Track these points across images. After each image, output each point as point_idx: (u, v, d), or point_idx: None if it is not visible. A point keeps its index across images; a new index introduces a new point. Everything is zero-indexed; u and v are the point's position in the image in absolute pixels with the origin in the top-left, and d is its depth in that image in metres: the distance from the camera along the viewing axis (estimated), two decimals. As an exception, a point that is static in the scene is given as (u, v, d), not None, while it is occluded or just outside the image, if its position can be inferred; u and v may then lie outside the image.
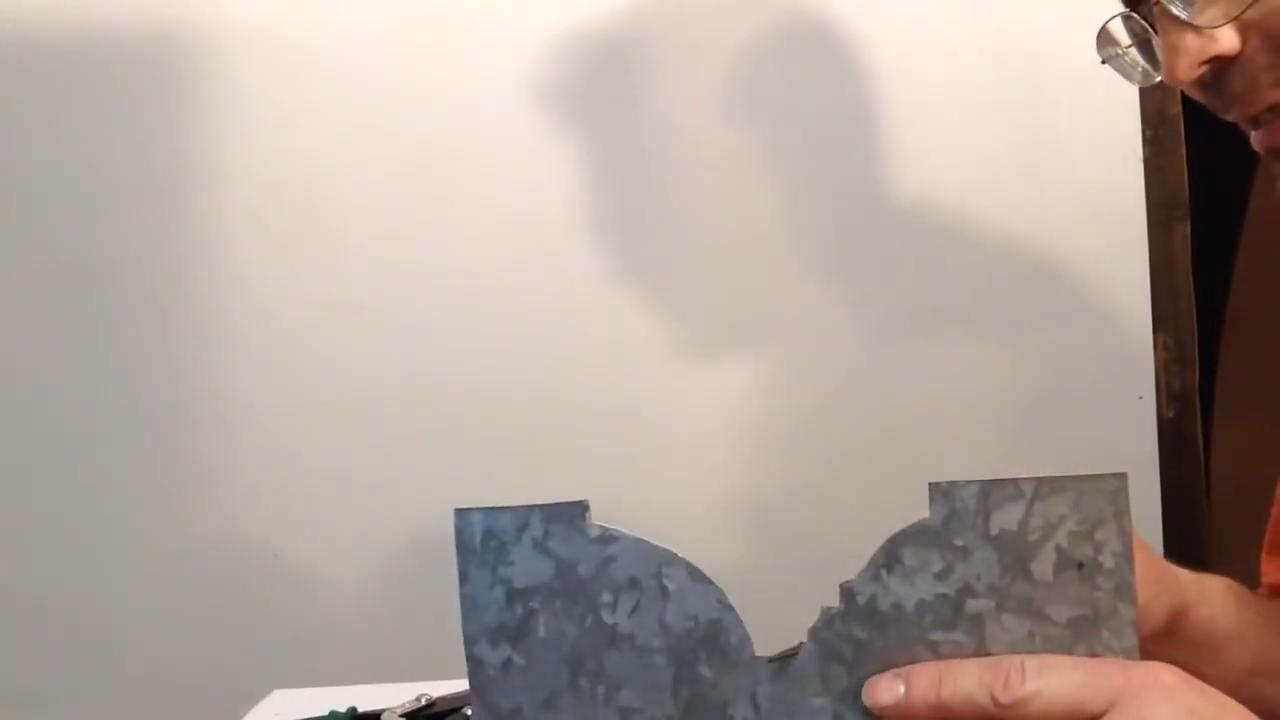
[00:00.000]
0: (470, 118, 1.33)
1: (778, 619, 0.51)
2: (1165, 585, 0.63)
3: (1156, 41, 0.65)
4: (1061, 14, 1.33)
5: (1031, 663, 0.43)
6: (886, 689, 0.44)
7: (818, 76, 1.35)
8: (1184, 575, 0.66)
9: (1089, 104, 1.34)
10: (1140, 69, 0.68)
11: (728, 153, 1.34)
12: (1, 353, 1.33)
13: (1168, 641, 0.63)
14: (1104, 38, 0.69)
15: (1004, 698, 0.43)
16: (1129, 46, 0.68)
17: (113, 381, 1.33)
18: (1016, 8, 1.34)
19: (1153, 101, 1.34)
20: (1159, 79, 0.66)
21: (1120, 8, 0.68)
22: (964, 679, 0.44)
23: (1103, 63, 0.69)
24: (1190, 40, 0.62)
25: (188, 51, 1.32)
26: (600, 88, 1.34)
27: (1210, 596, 0.66)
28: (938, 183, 1.35)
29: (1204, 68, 0.63)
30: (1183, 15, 0.61)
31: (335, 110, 1.33)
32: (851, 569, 0.47)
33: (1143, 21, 0.66)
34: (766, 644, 0.47)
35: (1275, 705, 0.64)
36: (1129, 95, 1.34)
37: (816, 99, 1.35)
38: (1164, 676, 0.43)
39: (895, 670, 0.45)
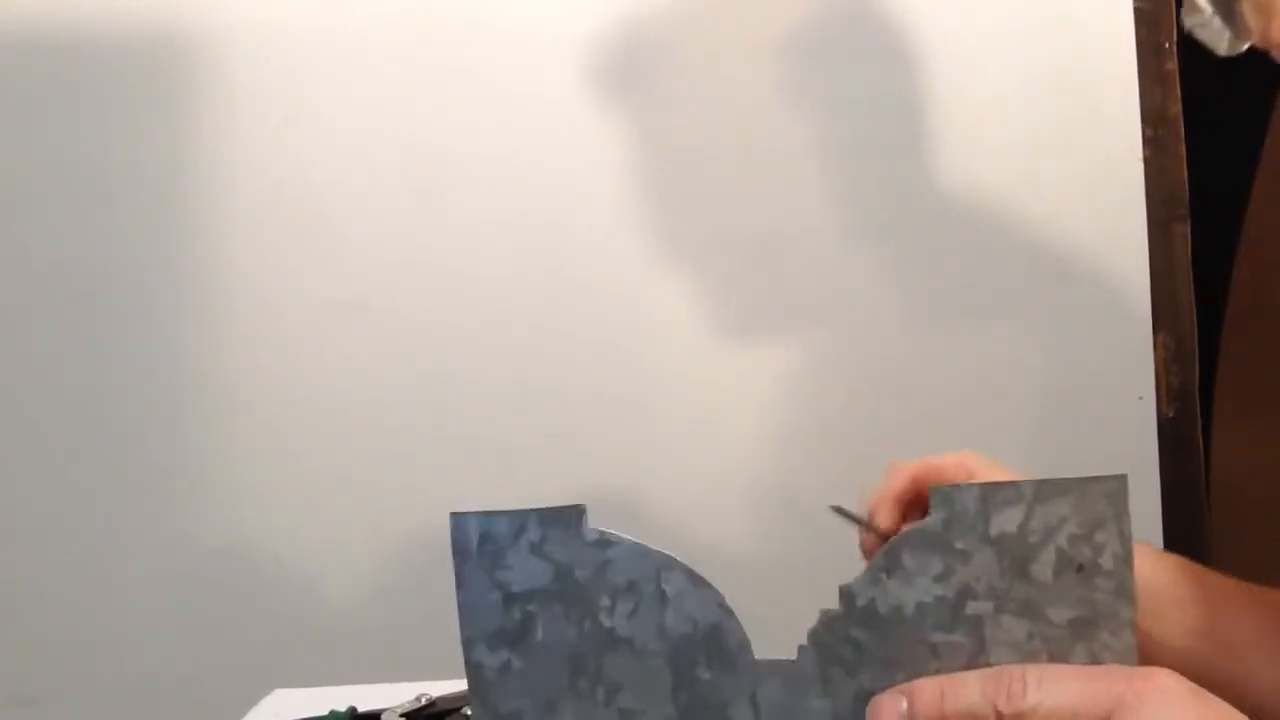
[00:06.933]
0: (470, 118, 1.33)
1: (780, 619, 0.51)
2: None
3: (1246, 5, 0.65)
4: (1057, 15, 1.33)
5: (1032, 673, 0.43)
6: (890, 707, 0.45)
7: (820, 73, 1.35)
8: None
9: (1089, 104, 1.34)
10: (1227, 36, 0.68)
11: (712, 154, 1.35)
12: (1, 352, 1.33)
13: None
14: (1189, 6, 0.69)
15: (1006, 709, 0.43)
16: (1213, 14, 0.68)
17: (112, 381, 1.33)
18: (1012, 9, 1.34)
19: (1153, 101, 1.34)
20: (1246, 46, 0.67)
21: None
22: (966, 692, 0.44)
23: (1188, 31, 0.69)
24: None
25: (188, 52, 1.32)
26: (601, 86, 1.34)
27: None
28: (935, 183, 1.35)
29: None
30: None
31: (336, 110, 1.33)
32: (848, 570, 0.47)
33: None
34: (768, 647, 0.47)
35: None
36: (1129, 95, 1.34)
37: (809, 98, 1.35)
38: (1164, 682, 0.43)
39: (898, 687, 0.45)
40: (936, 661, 0.45)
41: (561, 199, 1.34)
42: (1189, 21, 0.69)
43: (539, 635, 0.47)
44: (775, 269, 1.35)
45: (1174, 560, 0.72)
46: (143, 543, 1.34)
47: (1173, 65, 1.33)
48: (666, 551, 0.47)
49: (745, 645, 0.47)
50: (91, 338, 1.33)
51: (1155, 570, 0.70)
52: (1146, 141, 1.34)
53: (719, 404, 1.36)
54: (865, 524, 0.74)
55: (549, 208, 1.34)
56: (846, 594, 0.46)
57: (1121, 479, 0.45)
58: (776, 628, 0.49)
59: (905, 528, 0.46)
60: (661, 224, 1.35)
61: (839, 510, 0.75)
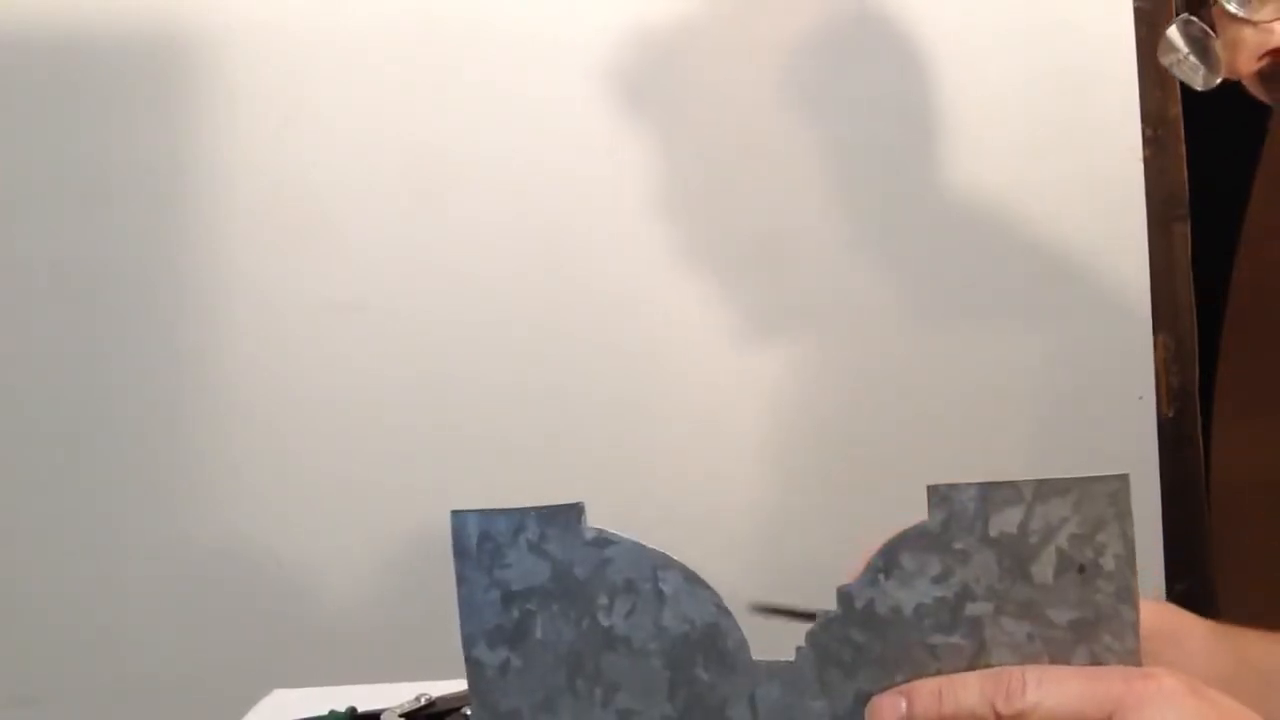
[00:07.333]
0: (470, 118, 1.33)
1: (779, 620, 0.51)
2: None
3: (1217, 43, 0.69)
4: (1057, 15, 1.33)
5: (1032, 673, 0.43)
6: (889, 708, 0.44)
7: (820, 73, 1.35)
8: None
9: (1089, 104, 1.34)
10: (1201, 72, 0.72)
11: (713, 154, 1.34)
12: (1, 352, 1.33)
13: None
14: (1165, 45, 0.72)
15: (1005, 710, 0.43)
16: (1188, 53, 0.72)
17: (112, 381, 1.33)
18: (1014, 10, 1.34)
19: (1153, 101, 1.34)
20: (1219, 80, 0.70)
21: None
22: (965, 692, 0.43)
23: (1166, 69, 0.73)
24: (1249, 35, 0.67)
25: (188, 52, 1.32)
26: (601, 87, 1.34)
27: None
28: (935, 183, 1.35)
29: (1263, 61, 0.67)
30: (1241, 13, 0.66)
31: (336, 110, 1.32)
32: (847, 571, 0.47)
33: (1202, 25, 0.70)
34: (766, 647, 0.47)
35: None
36: (1129, 95, 1.34)
37: (799, 99, 1.35)
38: (1165, 682, 0.42)
39: (897, 688, 0.45)
40: (936, 663, 0.45)
41: (561, 199, 1.34)
42: (1165, 60, 0.74)
43: (538, 633, 0.47)
44: (775, 269, 1.35)
45: (1178, 609, 0.69)
46: (143, 543, 1.34)
47: (1173, 65, 1.33)
48: (664, 550, 0.47)
49: (743, 645, 0.47)
50: (91, 338, 1.33)
51: (1168, 619, 0.66)
52: (1146, 141, 1.34)
53: (719, 404, 1.36)
54: (786, 611, 0.64)
55: (549, 208, 1.34)
56: (845, 595, 0.46)
57: (1123, 479, 0.44)
58: (775, 628, 0.49)
59: (901, 531, 0.46)
60: (662, 224, 1.35)
61: (759, 608, 0.63)
